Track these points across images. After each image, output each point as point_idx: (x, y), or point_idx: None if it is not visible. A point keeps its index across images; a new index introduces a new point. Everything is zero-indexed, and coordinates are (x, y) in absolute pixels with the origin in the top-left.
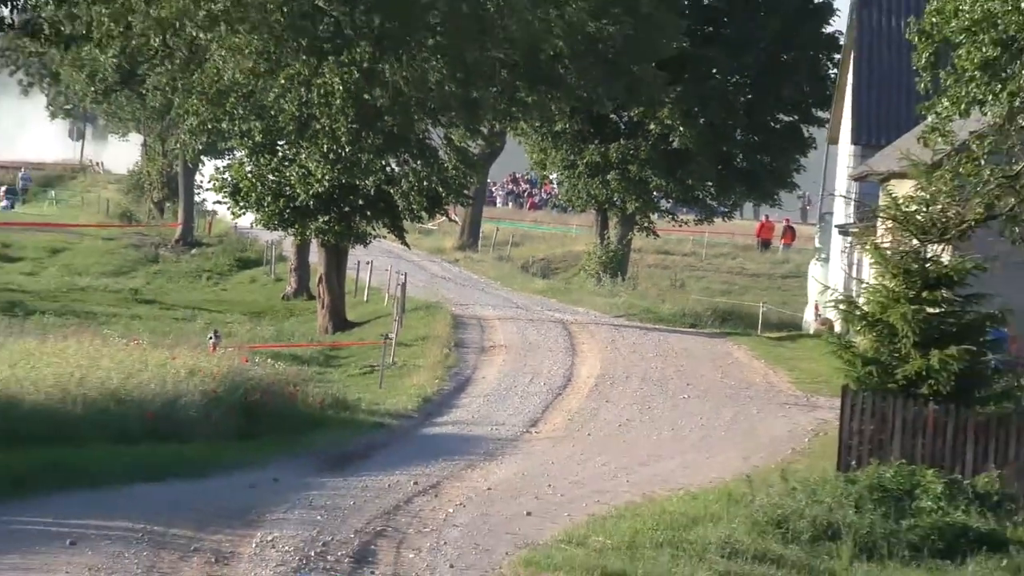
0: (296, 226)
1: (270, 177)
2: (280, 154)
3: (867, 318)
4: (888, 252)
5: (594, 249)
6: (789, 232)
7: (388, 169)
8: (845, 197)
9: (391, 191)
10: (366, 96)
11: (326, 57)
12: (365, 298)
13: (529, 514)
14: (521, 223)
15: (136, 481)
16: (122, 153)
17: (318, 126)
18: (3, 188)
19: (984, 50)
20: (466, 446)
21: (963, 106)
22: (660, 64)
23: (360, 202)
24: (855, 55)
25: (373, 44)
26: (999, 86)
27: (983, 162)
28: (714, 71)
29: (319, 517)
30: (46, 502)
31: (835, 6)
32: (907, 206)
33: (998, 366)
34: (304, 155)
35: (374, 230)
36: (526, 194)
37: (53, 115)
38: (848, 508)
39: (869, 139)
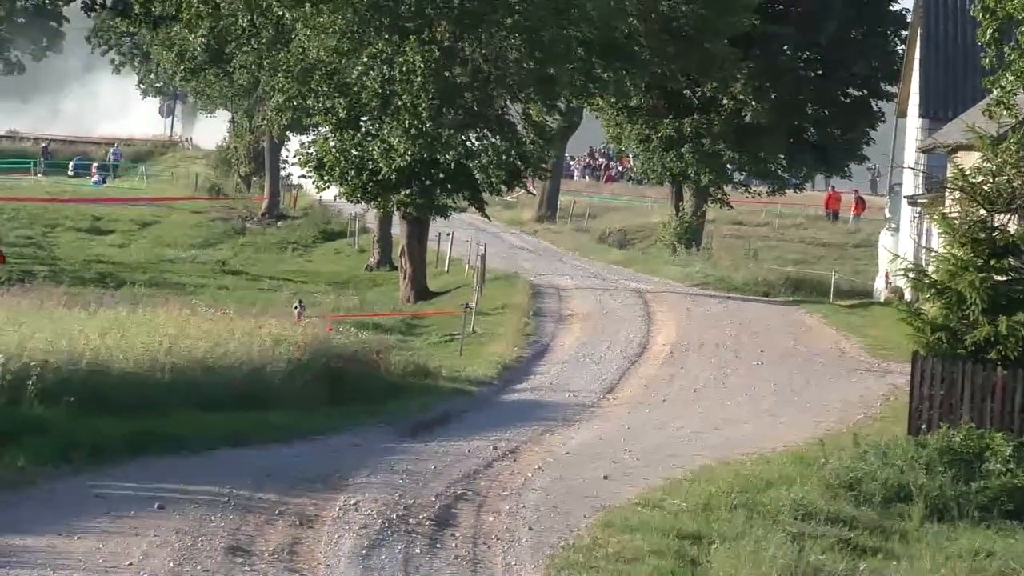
0: (378, 199)
1: (353, 152)
2: (363, 129)
3: (936, 286)
4: (956, 222)
5: (669, 220)
6: (859, 203)
7: (468, 144)
8: (913, 169)
9: (470, 165)
10: (446, 73)
11: (408, 36)
12: (446, 268)
13: (606, 478)
14: (598, 195)
15: (222, 447)
16: (210, 129)
17: (400, 102)
18: (95, 164)
19: None
20: (544, 412)
21: None
22: (732, 41)
23: (440, 175)
24: (922, 31)
25: (453, 23)
26: None
27: None
28: (785, 47)
29: (400, 481)
30: (134, 467)
31: None
32: (974, 177)
33: None
34: (386, 130)
35: (454, 203)
36: (603, 168)
37: (144, 93)
38: (919, 471)
39: (936, 112)
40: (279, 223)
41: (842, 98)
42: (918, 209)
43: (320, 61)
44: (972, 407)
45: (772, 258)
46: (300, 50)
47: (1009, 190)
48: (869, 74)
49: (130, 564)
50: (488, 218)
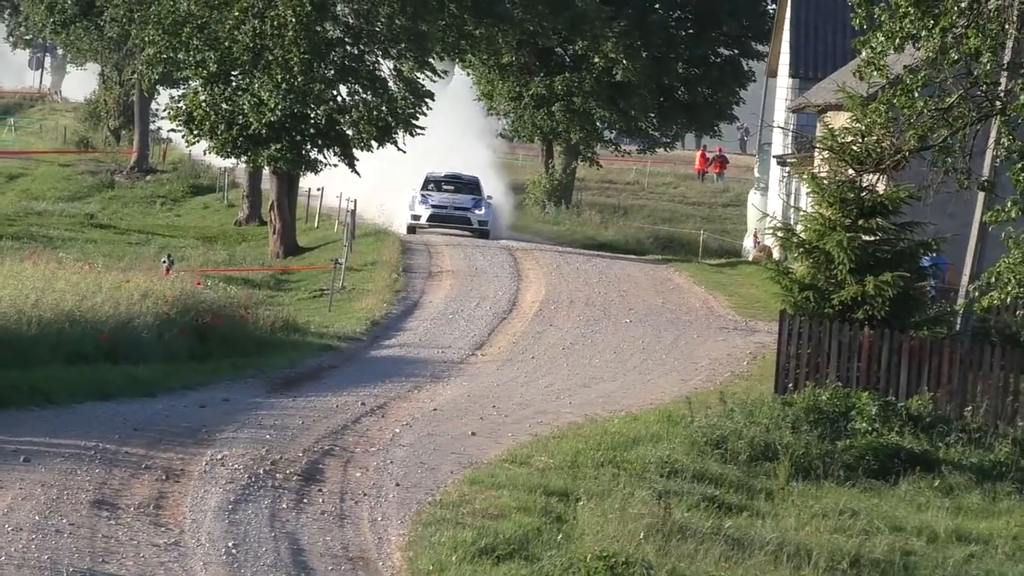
0: (248, 154)
1: (224, 106)
2: (234, 84)
3: (804, 245)
4: (825, 181)
5: (539, 178)
6: (719, 161)
7: (338, 99)
8: (783, 128)
9: (341, 120)
10: (318, 28)
11: None
12: (316, 224)
13: (474, 434)
14: None
15: (89, 401)
16: (80, 82)
17: (271, 57)
18: None
19: None
20: (413, 368)
21: (897, 41)
22: None
23: (311, 131)
24: None
25: None
26: (932, 21)
27: (916, 95)
28: (656, 6)
29: (268, 436)
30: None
31: None
32: (843, 137)
33: (934, 292)
34: (257, 85)
35: (325, 158)
36: None
37: (14, 45)
38: (785, 429)
39: (806, 72)
40: (148, 177)
41: (712, 57)
42: (787, 169)
43: (191, 14)
44: (839, 366)
45: (642, 217)
46: (171, 3)
47: (878, 150)
48: (740, 34)
49: None
50: (359, 174)
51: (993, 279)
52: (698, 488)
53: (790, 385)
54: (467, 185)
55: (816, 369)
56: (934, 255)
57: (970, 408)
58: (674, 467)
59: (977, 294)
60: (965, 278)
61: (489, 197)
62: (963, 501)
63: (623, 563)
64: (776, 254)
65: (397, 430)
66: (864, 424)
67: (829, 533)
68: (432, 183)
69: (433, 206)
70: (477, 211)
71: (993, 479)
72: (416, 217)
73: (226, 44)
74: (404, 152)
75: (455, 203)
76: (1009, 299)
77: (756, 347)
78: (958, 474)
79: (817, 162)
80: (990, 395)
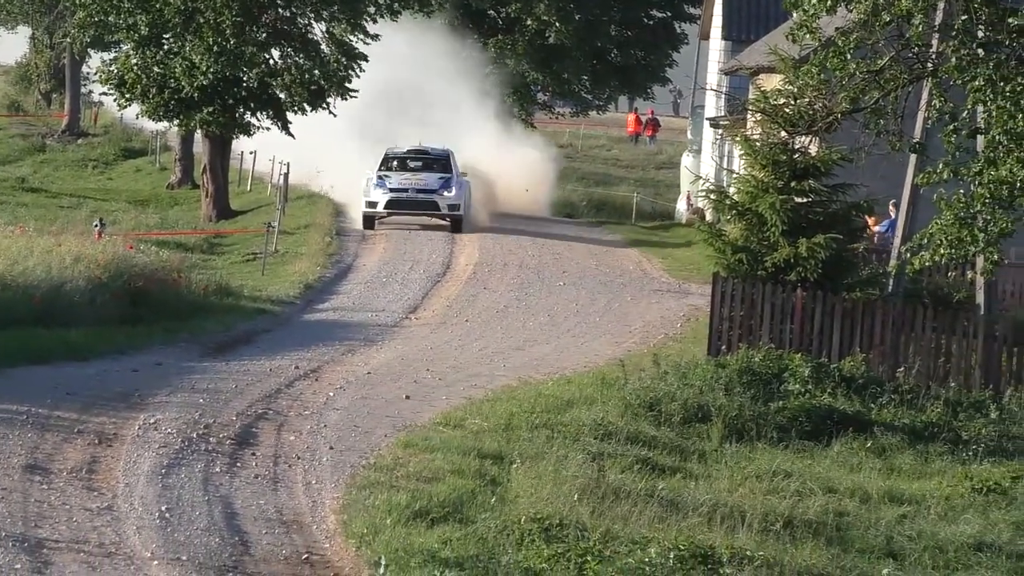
0: (181, 117)
1: (155, 69)
2: (165, 47)
3: (737, 207)
4: (757, 144)
5: None
6: (652, 124)
7: (271, 62)
8: (716, 91)
9: (274, 84)
10: None
11: None
12: (248, 187)
13: (408, 398)
14: None
15: (20, 364)
16: (10, 45)
17: (203, 19)
18: None
19: None
20: (347, 332)
21: (829, 3)
22: None
23: (243, 94)
24: None
25: None
26: None
27: (849, 57)
28: None
29: (201, 400)
30: None
31: None
32: (775, 99)
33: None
34: (189, 48)
35: (258, 121)
36: None
37: None
38: (718, 391)
39: (739, 35)
40: (80, 141)
41: (645, 20)
42: (720, 131)
43: None
44: (771, 328)
45: (575, 179)
46: None
47: (810, 113)
48: None
49: None
50: (292, 136)
51: (925, 241)
52: (632, 450)
53: (723, 347)
54: (437, 162)
55: (749, 331)
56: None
57: (902, 369)
58: (608, 429)
59: (909, 255)
60: (897, 240)
61: (463, 175)
62: (896, 462)
63: (557, 525)
64: (709, 216)
65: (331, 394)
66: (797, 386)
67: (763, 495)
68: (394, 160)
69: (392, 190)
70: (446, 193)
71: (925, 440)
72: (371, 204)
73: (157, 7)
74: (335, 116)
75: (419, 184)
76: (941, 260)
77: (689, 310)
78: (890, 435)
79: (750, 124)
80: (922, 356)
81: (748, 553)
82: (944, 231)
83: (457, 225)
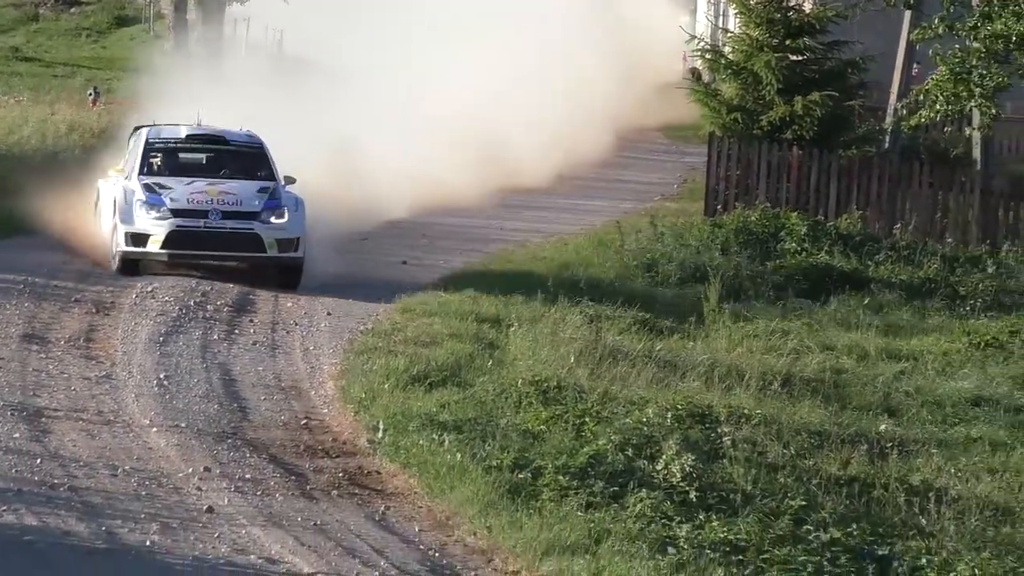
0: None
1: None
2: None
3: (732, 67)
4: (751, 2)
5: None
6: None
7: None
8: None
9: None
10: None
11: None
12: None
13: (405, 263)
14: None
15: (17, 235)
16: None
17: None
18: None
19: None
20: None
21: None
22: None
23: None
24: None
25: None
26: None
27: None
28: None
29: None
30: None
31: None
32: None
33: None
34: None
35: None
36: None
37: None
38: (715, 251)
39: None
40: (73, 9)
41: None
42: None
43: None
44: (768, 187)
45: None
46: None
47: None
48: None
49: None
50: None
51: (921, 97)
52: (629, 312)
53: (719, 207)
54: (243, 157)
55: (746, 191)
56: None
57: (899, 226)
58: (605, 291)
59: (905, 112)
60: (893, 96)
61: (289, 181)
62: (893, 318)
63: (555, 387)
64: (704, 76)
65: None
66: (794, 244)
67: (760, 353)
68: (163, 154)
69: (177, 212)
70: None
71: (922, 296)
72: (137, 240)
73: None
74: None
75: (224, 201)
76: (937, 117)
77: (686, 170)
78: (888, 292)
79: None
80: (919, 213)
81: (746, 411)
82: (940, 86)
83: (292, 276)
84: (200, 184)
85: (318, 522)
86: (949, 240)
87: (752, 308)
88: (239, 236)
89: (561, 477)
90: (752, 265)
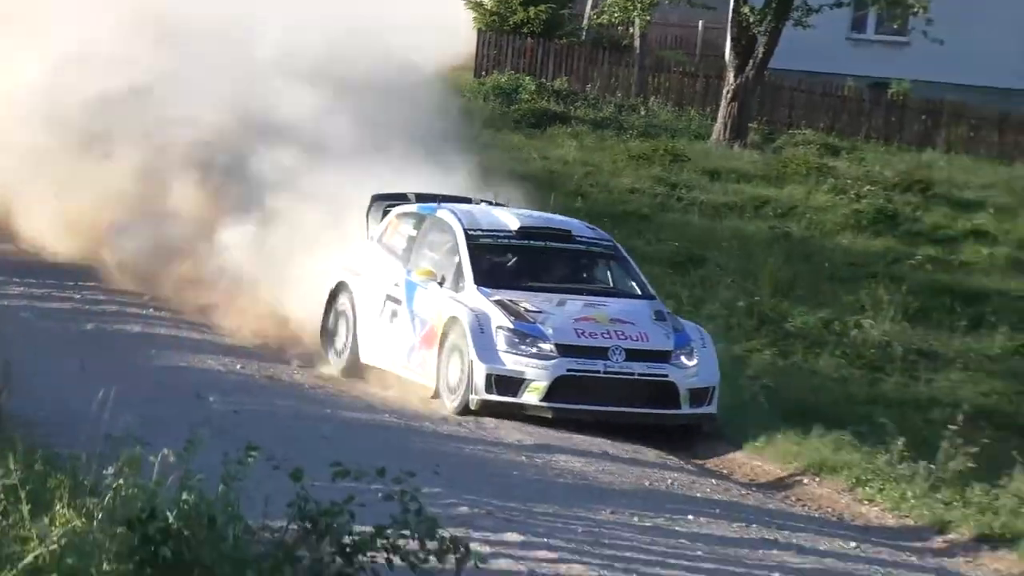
0: None
1: None
2: None
3: None
4: None
5: None
6: None
7: None
8: None
9: None
10: None
11: None
12: None
13: None
14: None
15: None
16: None
17: None
18: None
19: None
20: None
21: None
22: None
23: None
24: None
25: None
26: None
27: None
28: None
29: None
30: None
31: None
32: None
33: None
34: None
35: None
36: None
37: None
38: (479, 98)
39: None
40: None
41: None
42: None
43: None
44: (512, 61)
45: None
46: None
47: None
48: None
49: None
50: None
51: (604, 8)
52: None
53: (483, 73)
54: (599, 263)
55: (499, 63)
56: None
57: (590, 86)
58: None
59: (594, 16)
60: (588, 6)
61: None
62: (584, 141)
63: None
64: None
65: None
66: (526, 96)
67: (508, 162)
68: (490, 254)
69: (562, 349)
70: (683, 359)
71: (602, 128)
72: (506, 386)
73: None
74: None
75: (620, 334)
76: (616, 20)
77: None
78: (582, 126)
79: None
80: (602, 78)
81: None
82: (616, 3)
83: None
84: (576, 306)
85: None
86: (619, 95)
87: (503, 132)
88: (651, 385)
89: None
90: (502, 107)
